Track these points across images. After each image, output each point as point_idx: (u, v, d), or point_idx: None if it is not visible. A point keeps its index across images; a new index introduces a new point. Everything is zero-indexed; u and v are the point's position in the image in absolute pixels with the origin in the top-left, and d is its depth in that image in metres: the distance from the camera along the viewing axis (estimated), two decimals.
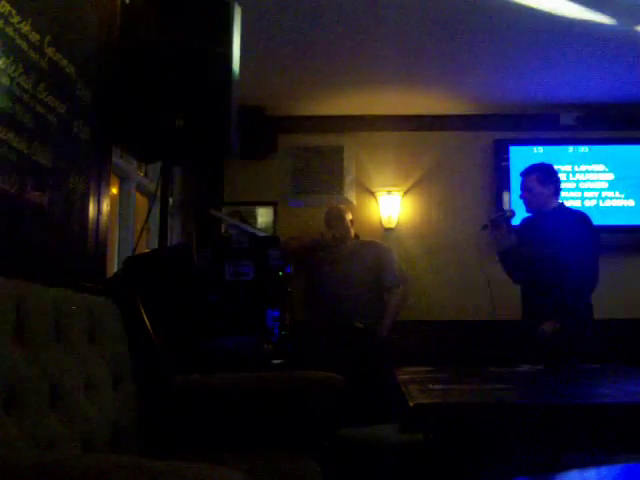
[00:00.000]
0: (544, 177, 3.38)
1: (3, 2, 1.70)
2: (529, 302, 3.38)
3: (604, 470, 1.17)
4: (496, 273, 3.60)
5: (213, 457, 1.68)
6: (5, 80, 1.71)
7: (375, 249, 4.14)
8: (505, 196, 4.65)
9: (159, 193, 2.44)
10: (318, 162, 4.90)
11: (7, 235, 1.75)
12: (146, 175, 3.83)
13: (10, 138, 1.73)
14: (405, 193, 4.84)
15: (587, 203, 4.66)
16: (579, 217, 3.36)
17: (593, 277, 3.19)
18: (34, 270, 1.85)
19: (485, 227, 3.49)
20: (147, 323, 2.00)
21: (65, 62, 2.05)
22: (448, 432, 1.55)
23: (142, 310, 2.01)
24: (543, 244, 3.23)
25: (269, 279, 3.63)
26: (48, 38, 1.93)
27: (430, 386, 1.97)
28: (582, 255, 3.15)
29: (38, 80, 1.88)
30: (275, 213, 4.85)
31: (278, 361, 3.39)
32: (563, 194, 3.53)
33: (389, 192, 4.79)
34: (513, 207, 4.04)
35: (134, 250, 2.82)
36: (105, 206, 2.41)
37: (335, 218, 4.12)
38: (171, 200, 3.65)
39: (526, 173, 3.43)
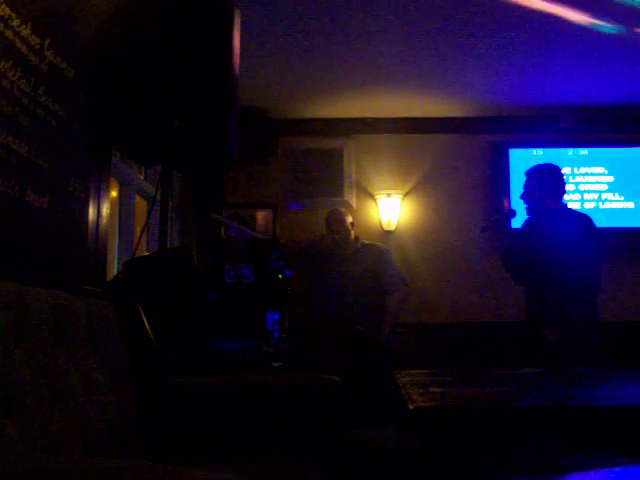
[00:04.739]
0: (550, 178, 3.33)
1: (3, 5, 1.70)
2: (533, 304, 3.35)
3: (605, 473, 1.16)
4: (498, 275, 3.60)
5: (212, 460, 1.68)
6: (5, 83, 1.71)
7: (375, 251, 4.14)
8: (505, 198, 4.66)
9: (159, 196, 2.44)
10: (318, 165, 4.90)
11: (7, 238, 1.74)
12: (146, 178, 3.83)
13: (10, 141, 1.73)
14: (405, 196, 4.84)
15: (587, 205, 4.66)
16: (582, 219, 3.31)
17: (597, 279, 3.17)
18: (34, 273, 1.85)
19: (484, 229, 3.47)
20: (147, 325, 2.00)
21: (65, 65, 2.06)
22: (448, 435, 1.55)
23: (142, 313, 2.01)
24: (546, 245, 3.19)
25: (269, 282, 3.63)
26: (48, 41, 1.94)
27: (430, 389, 1.96)
28: (585, 257, 3.12)
29: (38, 83, 1.88)
30: (275, 216, 4.85)
31: (278, 364, 3.38)
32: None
33: (389, 195, 4.79)
34: (514, 207, 4.02)
35: (134, 253, 2.81)
36: (105, 209, 2.41)
37: (335, 221, 4.12)
38: (171, 203, 3.65)
39: (532, 172, 3.38)
